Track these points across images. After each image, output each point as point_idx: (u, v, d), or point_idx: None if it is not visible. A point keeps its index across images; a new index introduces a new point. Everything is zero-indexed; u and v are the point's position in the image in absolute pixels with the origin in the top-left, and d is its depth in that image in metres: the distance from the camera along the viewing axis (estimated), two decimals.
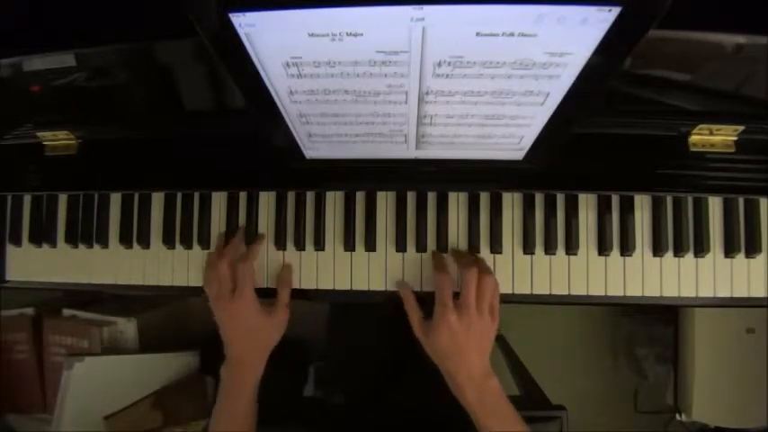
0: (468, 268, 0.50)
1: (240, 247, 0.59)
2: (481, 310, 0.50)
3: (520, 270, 0.58)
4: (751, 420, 0.99)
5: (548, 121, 0.43)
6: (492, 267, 0.57)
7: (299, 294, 0.60)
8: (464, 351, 0.49)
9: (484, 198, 0.59)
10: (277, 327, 0.57)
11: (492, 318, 0.50)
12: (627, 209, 0.58)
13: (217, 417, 0.54)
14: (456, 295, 0.51)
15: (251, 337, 0.55)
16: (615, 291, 0.58)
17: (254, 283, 0.55)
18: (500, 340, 0.96)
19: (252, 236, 0.61)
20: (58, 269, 0.65)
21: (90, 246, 0.65)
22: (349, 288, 0.60)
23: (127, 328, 0.85)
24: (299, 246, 0.60)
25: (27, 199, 0.66)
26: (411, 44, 0.33)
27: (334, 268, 0.60)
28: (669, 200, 0.58)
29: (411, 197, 0.60)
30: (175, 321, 0.99)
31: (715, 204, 0.58)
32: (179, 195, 0.63)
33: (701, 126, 0.53)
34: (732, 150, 0.55)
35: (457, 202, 0.60)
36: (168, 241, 0.63)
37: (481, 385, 0.49)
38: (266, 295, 0.59)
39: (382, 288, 0.59)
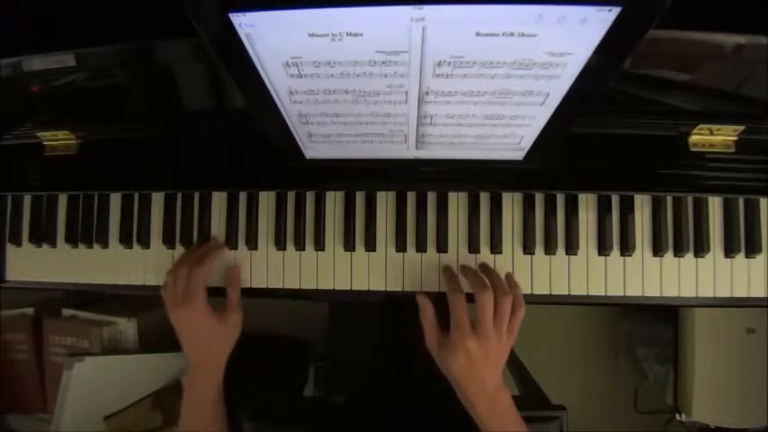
0: (483, 291, 0.49)
1: (201, 253, 0.58)
2: (499, 333, 0.48)
3: (520, 270, 0.58)
4: (751, 420, 0.99)
5: (548, 121, 0.43)
6: (492, 267, 0.57)
7: (299, 294, 0.60)
8: (478, 372, 0.48)
9: (484, 198, 0.59)
10: (230, 330, 0.57)
11: (509, 337, 0.50)
12: (627, 209, 0.58)
13: (182, 420, 0.55)
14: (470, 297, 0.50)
15: (205, 344, 0.55)
16: (615, 291, 0.58)
17: (205, 288, 0.55)
18: None
19: (252, 236, 0.61)
20: (58, 269, 0.65)
21: (90, 246, 0.65)
22: (349, 288, 0.60)
23: (127, 328, 0.85)
24: (299, 246, 0.60)
25: (27, 199, 0.66)
26: (411, 44, 0.33)
27: (334, 268, 0.60)
28: (669, 200, 0.58)
29: (411, 197, 0.60)
30: None
31: (715, 204, 0.58)
32: (179, 195, 0.63)
33: (701, 126, 0.54)
34: (732, 150, 0.55)
35: (457, 202, 0.60)
36: (168, 241, 0.63)
37: (493, 399, 0.48)
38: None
39: (382, 288, 0.59)
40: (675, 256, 0.57)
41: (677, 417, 1.05)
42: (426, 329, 0.53)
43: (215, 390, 0.55)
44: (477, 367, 0.48)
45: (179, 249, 0.63)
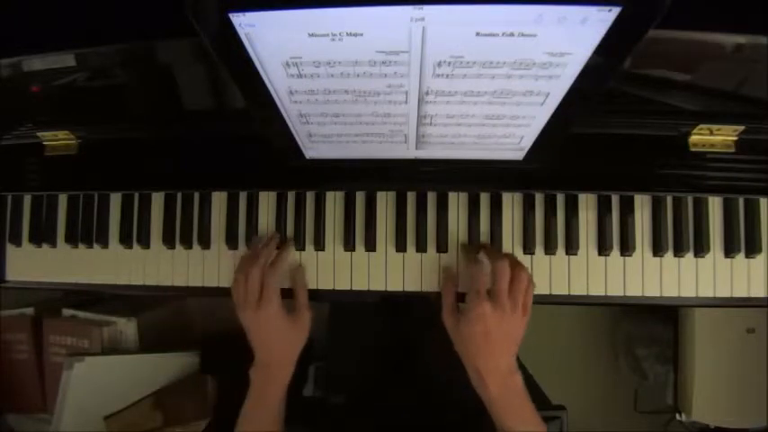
0: (500, 260, 0.49)
1: (271, 252, 0.57)
2: (515, 302, 0.48)
3: None
4: (751, 420, 0.99)
5: (548, 121, 0.43)
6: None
7: None
8: (493, 345, 0.48)
9: (484, 198, 0.59)
10: (302, 330, 0.57)
11: (524, 313, 0.49)
12: (627, 209, 0.58)
13: (246, 417, 0.54)
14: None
15: (278, 343, 0.55)
16: (615, 291, 0.58)
17: (279, 291, 0.54)
18: None
19: (252, 236, 0.61)
20: (58, 269, 0.65)
21: (90, 246, 0.65)
22: (349, 288, 0.60)
23: (127, 328, 0.85)
24: (299, 246, 0.60)
25: (27, 199, 0.66)
26: (411, 44, 0.33)
27: (334, 268, 0.60)
28: (669, 200, 0.58)
29: (411, 197, 0.60)
30: (175, 321, 0.99)
31: (715, 204, 0.58)
32: (179, 195, 0.63)
33: (700, 126, 0.53)
34: (732, 150, 0.55)
35: (457, 202, 0.60)
36: (168, 241, 0.63)
37: (506, 381, 0.48)
38: None
39: (382, 288, 0.59)
40: (675, 256, 0.57)
41: (677, 417, 1.05)
42: (445, 302, 0.53)
43: (283, 388, 0.55)
44: (492, 337, 0.47)
45: (179, 249, 0.63)
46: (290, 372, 0.55)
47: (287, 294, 0.58)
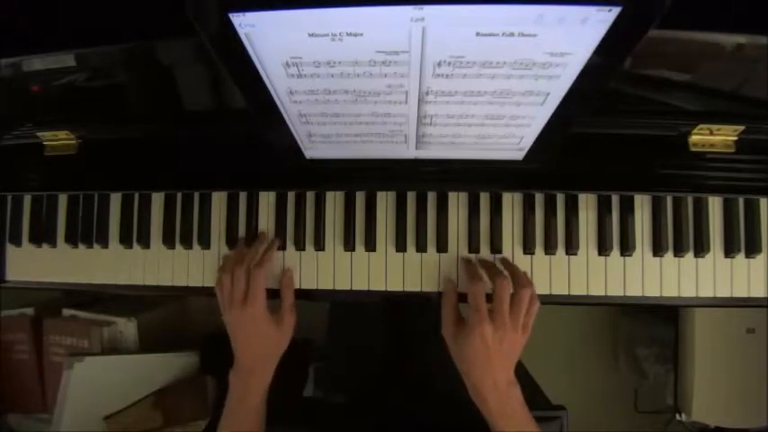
0: (501, 280, 0.49)
1: (257, 252, 0.57)
2: (515, 323, 0.48)
3: None
4: (751, 420, 0.99)
5: (548, 122, 0.43)
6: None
7: (299, 294, 0.60)
8: (492, 362, 0.48)
9: (484, 198, 0.59)
10: (285, 333, 0.56)
11: (524, 331, 0.49)
12: (627, 209, 0.58)
13: (225, 421, 0.54)
14: (489, 298, 0.50)
15: (260, 345, 0.54)
16: (615, 291, 0.58)
17: (265, 291, 0.54)
18: None
19: (251, 235, 0.61)
20: (58, 269, 0.65)
21: (90, 246, 0.65)
22: (349, 288, 0.60)
23: (127, 328, 0.85)
24: (299, 246, 0.60)
25: (27, 199, 0.66)
26: (411, 44, 0.33)
27: (334, 268, 0.60)
28: (669, 200, 0.58)
29: (411, 197, 0.60)
30: (175, 321, 0.99)
31: (715, 204, 0.58)
32: (179, 195, 0.63)
33: (700, 126, 0.53)
34: (732, 150, 0.55)
35: (457, 202, 0.60)
36: (168, 241, 0.63)
37: (504, 395, 0.48)
38: (267, 296, 0.59)
39: (382, 288, 0.59)
40: (675, 256, 0.57)
41: (677, 417, 1.05)
42: (445, 315, 0.52)
43: (263, 391, 0.54)
44: (492, 355, 0.47)
45: (179, 249, 0.63)
46: (270, 374, 0.55)
47: (272, 295, 0.58)
